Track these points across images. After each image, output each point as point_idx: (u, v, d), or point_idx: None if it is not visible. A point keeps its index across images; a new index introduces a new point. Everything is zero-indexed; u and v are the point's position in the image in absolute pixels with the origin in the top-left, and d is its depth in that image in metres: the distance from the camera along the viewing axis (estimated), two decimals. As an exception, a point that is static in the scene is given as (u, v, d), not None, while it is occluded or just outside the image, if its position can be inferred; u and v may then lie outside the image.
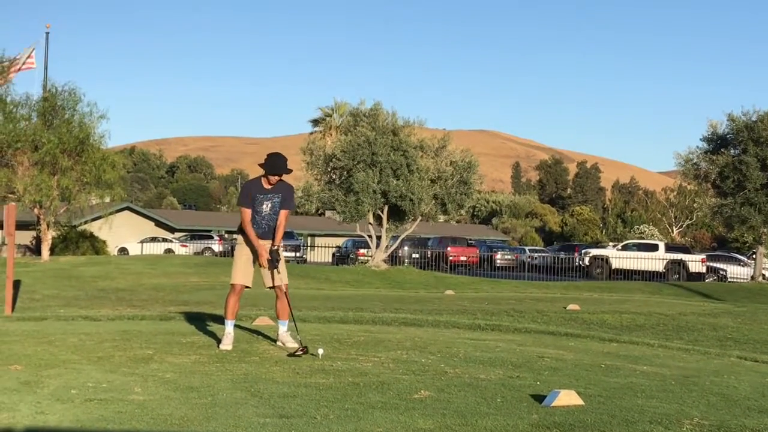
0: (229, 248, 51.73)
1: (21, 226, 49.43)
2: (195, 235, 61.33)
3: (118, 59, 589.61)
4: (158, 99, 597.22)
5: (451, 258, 46.17)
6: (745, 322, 17.40)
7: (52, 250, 37.01)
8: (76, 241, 42.06)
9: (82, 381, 6.42)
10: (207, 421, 5.27)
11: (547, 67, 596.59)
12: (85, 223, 41.18)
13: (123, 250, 53.96)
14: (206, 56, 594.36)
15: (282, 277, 8.56)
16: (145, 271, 29.67)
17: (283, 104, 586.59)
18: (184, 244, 56.54)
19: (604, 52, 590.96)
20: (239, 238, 8.71)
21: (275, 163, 8.37)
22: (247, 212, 8.44)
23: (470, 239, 55.90)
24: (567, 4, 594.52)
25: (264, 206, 8.48)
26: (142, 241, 55.31)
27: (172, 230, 66.04)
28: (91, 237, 43.14)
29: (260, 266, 8.51)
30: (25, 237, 46.62)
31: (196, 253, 51.72)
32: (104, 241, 44.48)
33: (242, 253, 8.65)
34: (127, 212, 61.93)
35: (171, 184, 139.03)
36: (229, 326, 8.54)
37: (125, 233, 56.15)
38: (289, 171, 8.46)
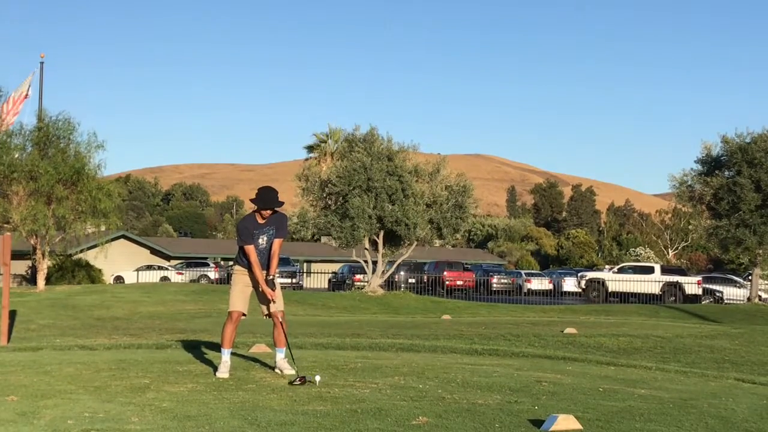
0: (225, 275, 51.68)
1: (16, 255, 49.35)
2: (191, 262, 61.24)
3: (112, 87, 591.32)
4: (153, 127, 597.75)
5: (447, 282, 46.14)
6: (742, 344, 17.39)
7: (48, 280, 36.94)
8: (71, 270, 42.00)
9: (78, 411, 6.39)
10: (204, 451, 5.25)
11: (541, 91, 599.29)
12: (81, 251, 41.12)
13: (119, 279, 53.88)
14: (201, 84, 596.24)
15: (278, 305, 8.58)
16: (141, 300, 29.61)
17: (278, 131, 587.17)
18: (180, 271, 56.43)
19: (597, 76, 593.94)
20: (236, 267, 8.74)
21: (266, 198, 8.45)
22: (252, 249, 8.51)
23: (466, 263, 55.88)
24: (561, 30, 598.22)
25: (260, 240, 8.56)
26: (137, 269, 55.23)
27: (167, 258, 65.95)
28: (86, 266, 43.09)
29: (265, 295, 8.57)
30: (21, 266, 46.59)
31: (192, 281, 51.63)
32: (100, 270, 44.40)
33: (239, 281, 8.69)
34: (122, 240, 61.91)
35: (166, 212, 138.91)
36: (226, 354, 8.56)
37: (121, 261, 56.09)
38: (281, 204, 8.51)
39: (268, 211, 8.49)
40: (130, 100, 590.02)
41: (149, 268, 57.46)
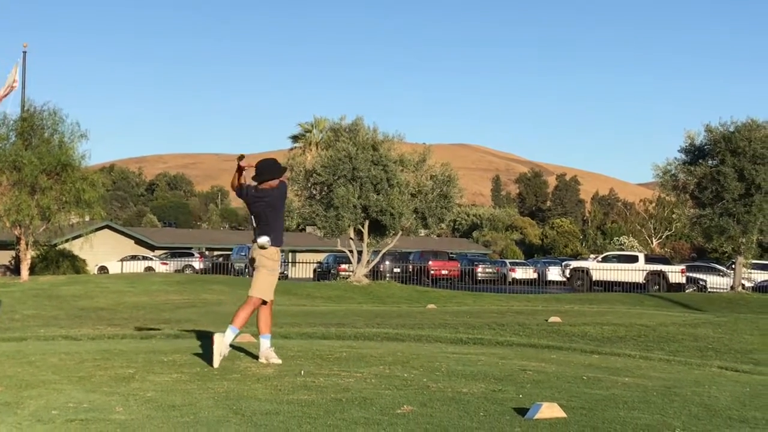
0: (210, 265, 51.63)
1: (0, 245, 49.18)
2: (175, 252, 61.11)
3: (95, 77, 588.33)
4: (137, 117, 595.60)
5: (432, 272, 46.23)
6: (725, 332, 17.48)
7: (32, 270, 36.78)
8: (55, 260, 41.85)
9: (62, 401, 6.37)
10: (189, 440, 5.25)
11: (525, 80, 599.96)
12: (65, 242, 40.97)
13: (103, 269, 53.73)
14: (184, 74, 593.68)
15: (252, 287, 8.62)
16: (126, 290, 29.52)
17: (262, 121, 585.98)
18: (165, 261, 56.33)
19: (582, 65, 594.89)
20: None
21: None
22: None
23: (451, 253, 55.98)
24: (546, 19, 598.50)
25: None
26: (122, 260, 55.07)
27: (152, 248, 65.79)
28: (70, 256, 42.93)
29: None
30: (5, 257, 46.36)
31: (177, 271, 51.52)
32: (84, 260, 44.26)
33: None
34: (106, 231, 61.67)
35: (151, 202, 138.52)
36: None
37: (105, 252, 55.89)
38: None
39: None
40: (114, 90, 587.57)
41: (133, 258, 57.31)
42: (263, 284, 8.57)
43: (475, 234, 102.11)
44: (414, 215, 36.01)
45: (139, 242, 66.60)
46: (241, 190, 8.80)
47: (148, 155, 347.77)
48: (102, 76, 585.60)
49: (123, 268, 51.22)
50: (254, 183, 8.73)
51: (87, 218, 38.75)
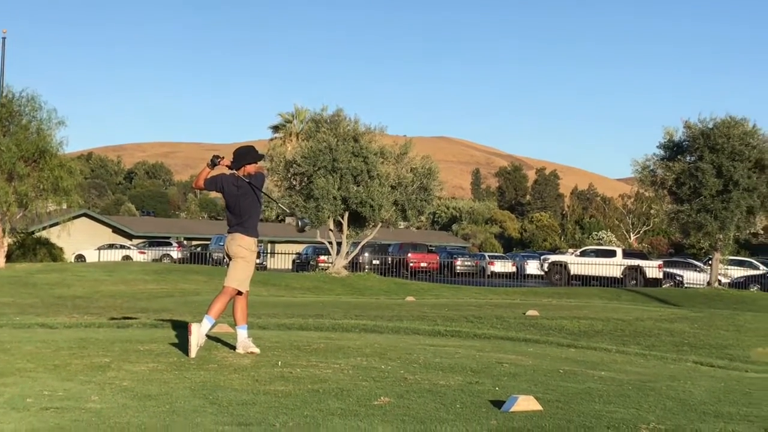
0: (188, 255, 51.45)
1: (-24, 232, 48.68)
2: (153, 241, 60.87)
3: (74, 64, 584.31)
4: (116, 105, 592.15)
5: (411, 264, 46.27)
6: (701, 328, 17.61)
7: (9, 257, 36.56)
8: (32, 247, 41.62)
9: (38, 389, 6.34)
10: (165, 430, 5.23)
11: (507, 74, 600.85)
12: (43, 229, 40.79)
13: (80, 257, 53.41)
14: (164, 62, 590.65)
15: (227, 277, 8.58)
16: (103, 279, 29.39)
17: (242, 110, 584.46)
18: (142, 250, 56.07)
19: (563, 60, 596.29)
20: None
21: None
22: None
23: (431, 245, 56.05)
24: (525, 13, 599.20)
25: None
26: (99, 248, 54.77)
27: (130, 237, 65.50)
28: (48, 244, 42.72)
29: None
30: (-20, 244, 46.00)
31: (155, 260, 51.31)
32: (61, 248, 44.04)
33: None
34: (84, 219, 61.35)
35: (129, 191, 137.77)
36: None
37: (82, 240, 55.58)
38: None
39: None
40: (92, 78, 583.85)
41: (111, 246, 57.03)
42: (239, 275, 8.54)
43: (454, 227, 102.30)
44: (394, 207, 36.02)
45: (116, 231, 66.26)
46: (213, 181, 8.72)
47: (127, 143, 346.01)
48: (80, 63, 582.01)
49: (100, 257, 50.95)
50: (230, 172, 8.69)
51: (64, 206, 38.57)
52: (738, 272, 42.63)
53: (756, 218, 38.70)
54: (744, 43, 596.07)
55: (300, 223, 8.83)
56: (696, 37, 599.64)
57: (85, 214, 62.07)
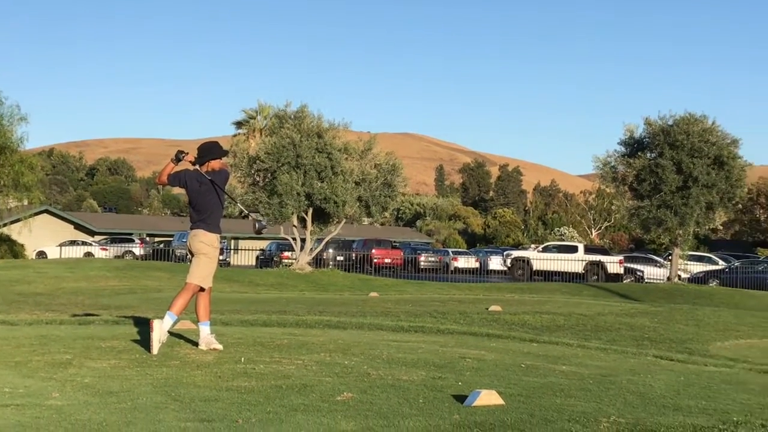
0: (151, 251, 51.09)
1: (-66, 229, 47.99)
2: (115, 238, 60.41)
3: (34, 60, 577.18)
4: (77, 100, 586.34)
5: (375, 260, 46.26)
6: (661, 322, 17.79)
7: (-32, 254, 36.09)
8: (-8, 244, 41.11)
9: (-2, 387, 6.29)
10: (126, 426, 5.21)
11: (469, 71, 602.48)
12: (3, 226, 40.33)
13: (41, 254, 52.85)
14: (126, 57, 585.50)
15: (190, 274, 8.56)
16: (64, 275, 29.09)
17: (205, 105, 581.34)
18: (104, 247, 55.63)
19: (525, 56, 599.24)
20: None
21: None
22: None
23: (395, 241, 56.07)
24: (486, 8, 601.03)
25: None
26: (61, 245, 54.25)
27: (91, 233, 64.93)
28: (8, 240, 42.22)
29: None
30: (-61, 240, 45.36)
31: (117, 257, 50.87)
32: (22, 245, 43.56)
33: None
34: (45, 215, 60.72)
35: (91, 187, 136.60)
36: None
37: (44, 236, 55.02)
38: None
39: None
40: (54, 73, 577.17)
41: (73, 243, 56.48)
42: (202, 271, 8.52)
43: (418, 223, 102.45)
44: (358, 203, 36.00)
45: (78, 227, 65.66)
46: (177, 177, 8.69)
47: (88, 139, 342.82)
48: (40, 57, 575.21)
49: (62, 253, 50.44)
50: (194, 167, 8.65)
51: (25, 202, 38.18)
52: (697, 267, 43.11)
53: (715, 214, 39.23)
54: (705, 35, 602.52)
55: (257, 225, 8.83)
56: (656, 30, 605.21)
57: (46, 211, 61.44)
